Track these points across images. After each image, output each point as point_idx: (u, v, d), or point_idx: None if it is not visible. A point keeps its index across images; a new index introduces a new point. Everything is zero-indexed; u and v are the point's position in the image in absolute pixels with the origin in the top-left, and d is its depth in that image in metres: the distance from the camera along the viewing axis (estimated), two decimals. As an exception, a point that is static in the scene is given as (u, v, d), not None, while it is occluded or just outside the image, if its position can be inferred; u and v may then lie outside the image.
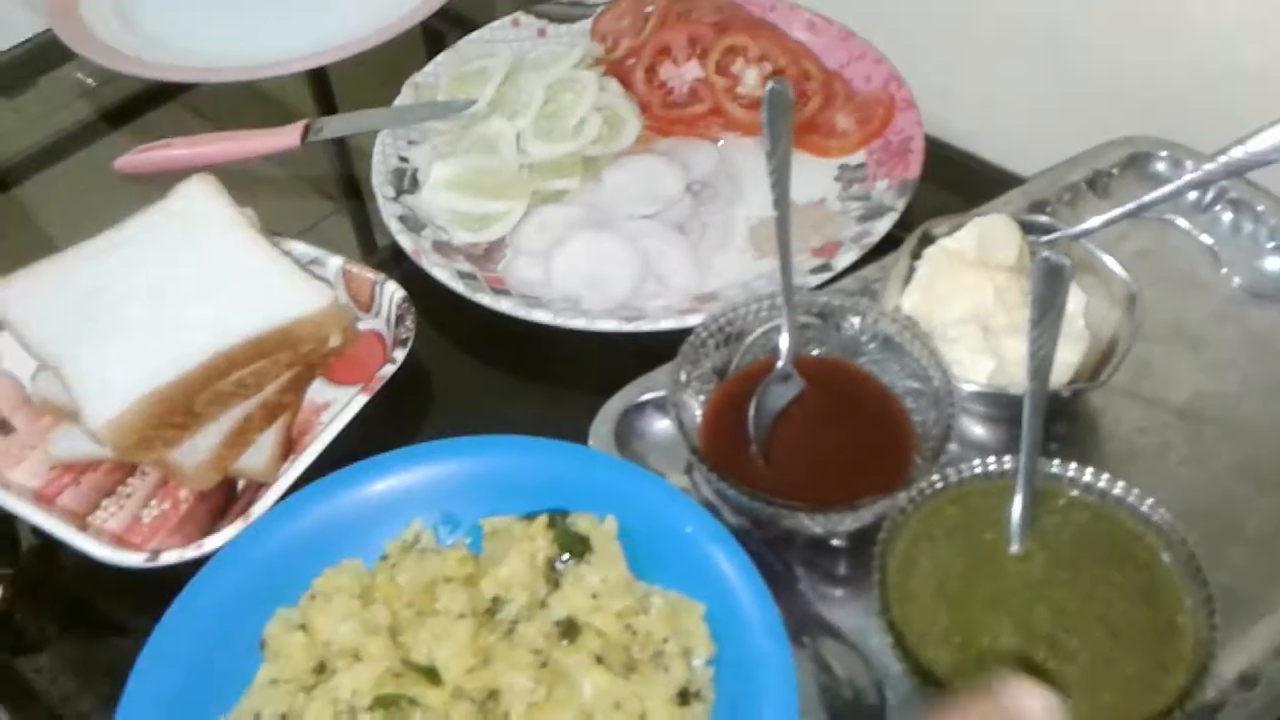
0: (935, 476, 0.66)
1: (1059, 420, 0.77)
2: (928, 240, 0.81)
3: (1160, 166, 0.91)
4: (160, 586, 0.66)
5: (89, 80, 1.20)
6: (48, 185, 1.12)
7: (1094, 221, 0.80)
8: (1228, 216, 0.88)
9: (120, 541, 0.76)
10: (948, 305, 0.77)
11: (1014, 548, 0.64)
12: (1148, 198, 0.79)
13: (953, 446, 0.70)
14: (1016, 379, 0.72)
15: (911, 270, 0.80)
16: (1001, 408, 0.74)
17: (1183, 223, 0.89)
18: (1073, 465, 0.66)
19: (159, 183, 0.88)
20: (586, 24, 1.10)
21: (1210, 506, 0.73)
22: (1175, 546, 0.63)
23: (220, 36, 1.20)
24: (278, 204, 1.07)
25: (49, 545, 0.76)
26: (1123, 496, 0.65)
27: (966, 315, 0.76)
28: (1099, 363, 0.75)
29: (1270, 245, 0.86)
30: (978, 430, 0.77)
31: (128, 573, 0.73)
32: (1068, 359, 0.74)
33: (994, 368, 0.74)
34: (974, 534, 0.65)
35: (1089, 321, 0.77)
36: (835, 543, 0.72)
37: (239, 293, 0.79)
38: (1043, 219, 0.83)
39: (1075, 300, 0.77)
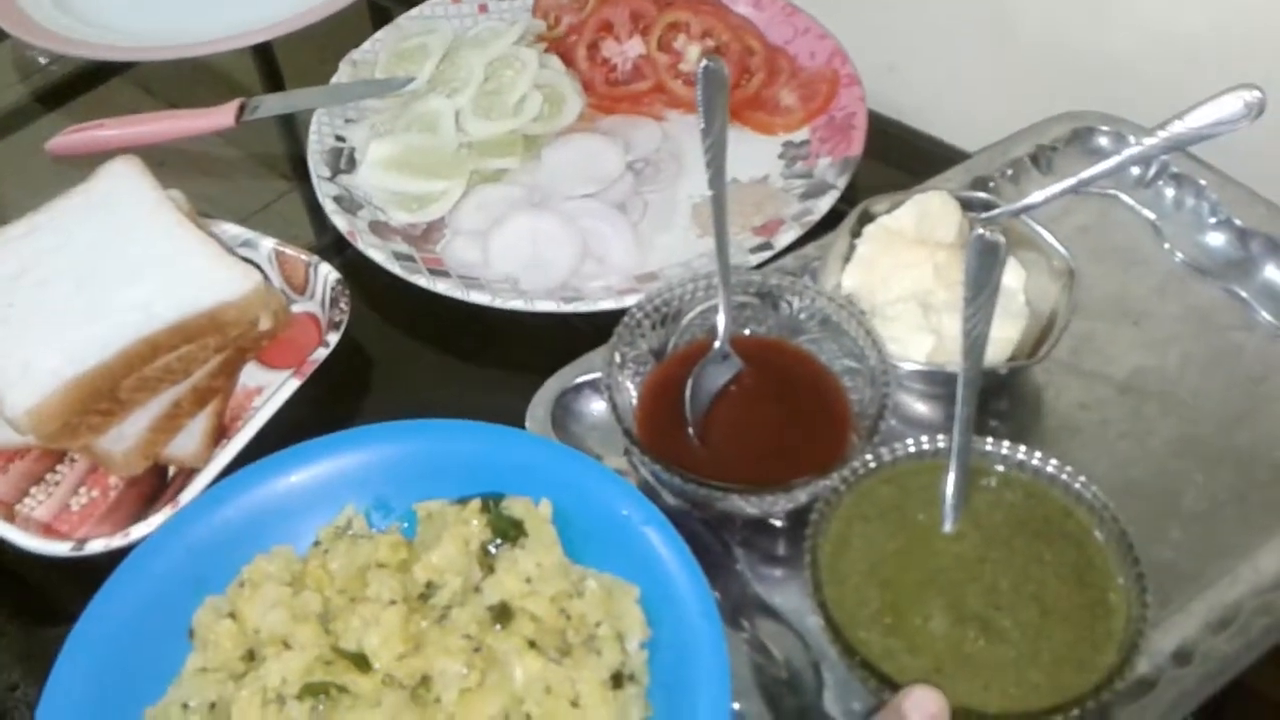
0: (868, 456, 0.66)
1: (999, 396, 0.77)
2: (868, 218, 0.80)
3: (1103, 141, 0.91)
4: (102, 572, 0.64)
5: (40, 59, 1.18)
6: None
7: (1035, 197, 0.80)
8: (1170, 191, 0.88)
9: (48, 530, 0.75)
10: (888, 283, 0.76)
11: (946, 527, 0.64)
12: (1088, 173, 0.78)
13: (893, 424, 0.70)
14: (956, 356, 0.71)
15: (852, 248, 0.79)
16: (940, 385, 0.74)
17: (1125, 198, 0.89)
18: (1005, 443, 0.65)
19: (94, 164, 0.86)
20: (528, 0, 1.08)
21: (1150, 481, 0.73)
22: (1107, 524, 0.62)
23: (161, 12, 1.17)
24: (227, 185, 1.05)
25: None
26: (1055, 474, 0.64)
27: (906, 293, 0.76)
28: (1039, 339, 0.75)
29: (1212, 220, 0.86)
30: (919, 408, 0.77)
31: (63, 560, 0.71)
32: (1007, 335, 0.74)
33: (933, 345, 0.74)
34: (907, 514, 0.64)
35: (1029, 298, 0.77)
36: (774, 523, 0.72)
37: (163, 276, 0.77)
38: (983, 195, 0.82)
39: (1015, 276, 0.77)
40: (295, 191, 1.03)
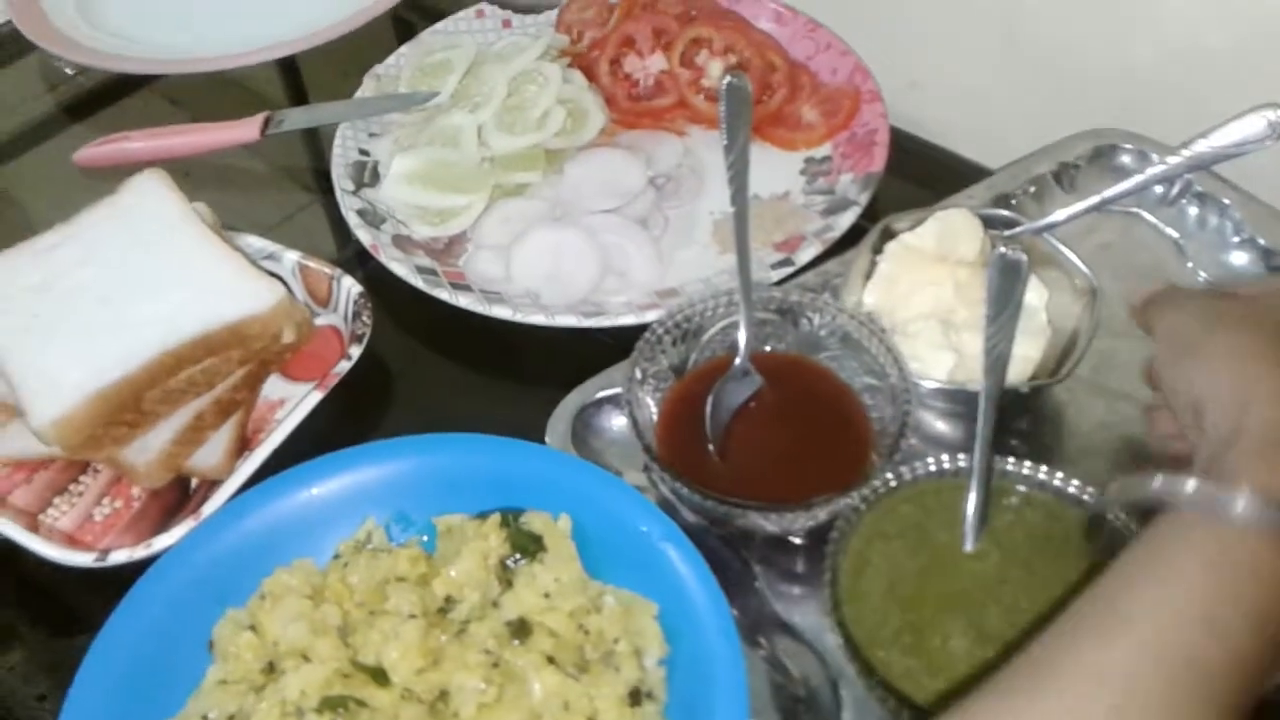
0: (889, 475, 0.65)
1: (1021, 416, 0.77)
2: (889, 235, 0.80)
3: (1125, 159, 0.90)
4: (125, 582, 0.65)
5: (67, 70, 1.19)
6: (13, 178, 1.11)
7: (1057, 215, 0.79)
8: (1193, 210, 0.87)
9: (72, 541, 0.75)
10: (909, 301, 0.76)
11: (967, 546, 0.63)
12: (1111, 192, 0.78)
13: (913, 443, 0.70)
14: (976, 375, 0.71)
15: (873, 265, 0.79)
16: (961, 404, 0.74)
17: (1148, 216, 0.88)
18: (1027, 463, 0.65)
19: (120, 176, 0.87)
20: (552, 15, 1.09)
21: (1171, 502, 0.72)
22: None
23: (187, 26, 1.18)
24: (252, 197, 1.06)
25: (7, 541, 0.74)
26: (1077, 494, 0.64)
27: (927, 310, 0.76)
28: (1060, 358, 0.75)
29: (1236, 239, 0.85)
30: (939, 426, 0.77)
31: (86, 570, 0.72)
32: (1028, 354, 0.74)
33: (954, 363, 0.74)
34: (927, 533, 0.64)
35: (1051, 316, 0.76)
36: (794, 540, 0.72)
37: (188, 289, 0.78)
38: (1005, 213, 0.82)
39: (1037, 295, 0.76)
40: (317, 204, 1.04)
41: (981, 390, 0.64)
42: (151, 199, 0.83)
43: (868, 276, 0.78)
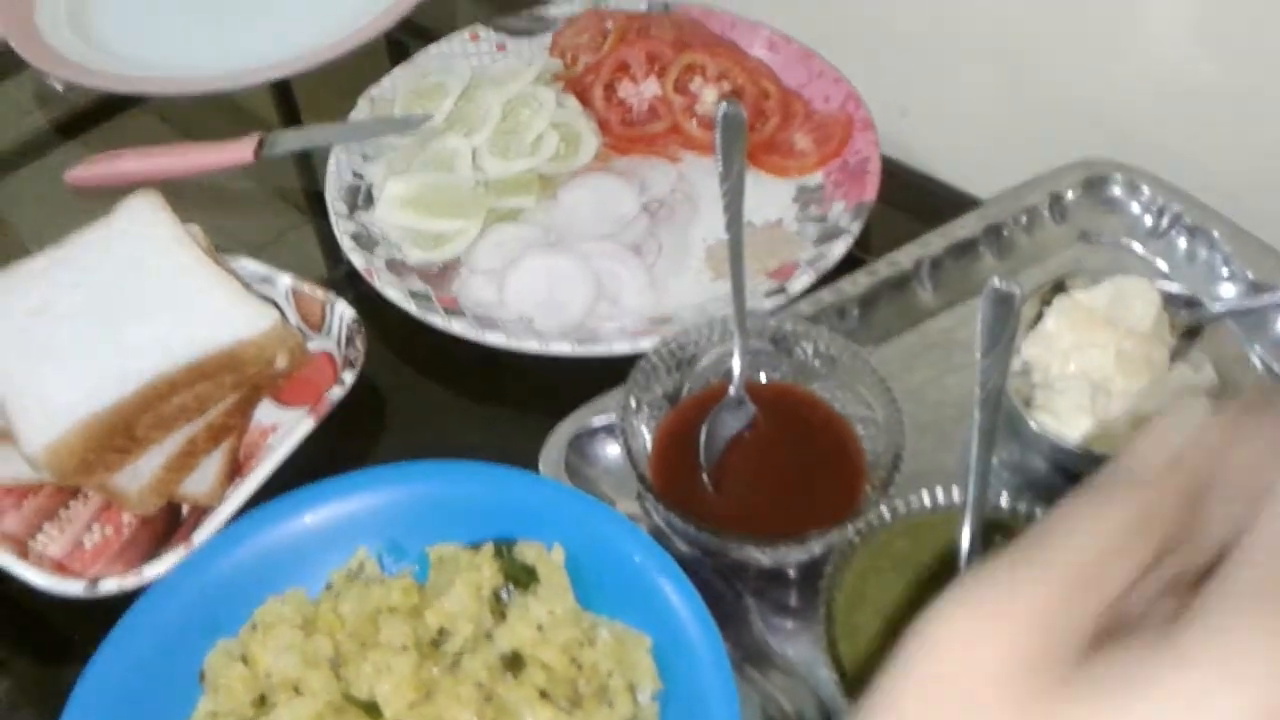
0: (883, 508, 0.65)
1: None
2: (1060, 289, 0.78)
3: (1117, 190, 0.90)
4: (116, 609, 0.64)
5: (58, 87, 1.18)
6: (4, 198, 1.10)
7: (1241, 303, 0.80)
8: (1182, 242, 0.88)
9: (61, 568, 0.74)
10: (1066, 360, 0.75)
11: (962, 582, 0.63)
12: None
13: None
14: (1114, 445, 0.70)
15: (1039, 317, 0.78)
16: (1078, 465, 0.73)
17: (1137, 247, 0.89)
18: (1023, 498, 0.65)
19: (113, 195, 0.86)
20: (546, 39, 1.09)
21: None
22: (1123, 581, 0.62)
23: (181, 46, 1.18)
24: (245, 218, 1.05)
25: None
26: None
27: (1081, 372, 0.74)
28: None
29: (1225, 272, 0.86)
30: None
31: (77, 599, 0.71)
32: None
33: (1090, 427, 0.72)
34: (922, 567, 0.64)
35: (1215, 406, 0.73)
36: (788, 573, 0.72)
37: (181, 314, 0.77)
38: (1186, 292, 0.78)
39: (1206, 378, 0.74)
40: (310, 226, 1.04)
41: (975, 424, 0.64)
42: (144, 222, 0.82)
43: (1030, 327, 0.77)
